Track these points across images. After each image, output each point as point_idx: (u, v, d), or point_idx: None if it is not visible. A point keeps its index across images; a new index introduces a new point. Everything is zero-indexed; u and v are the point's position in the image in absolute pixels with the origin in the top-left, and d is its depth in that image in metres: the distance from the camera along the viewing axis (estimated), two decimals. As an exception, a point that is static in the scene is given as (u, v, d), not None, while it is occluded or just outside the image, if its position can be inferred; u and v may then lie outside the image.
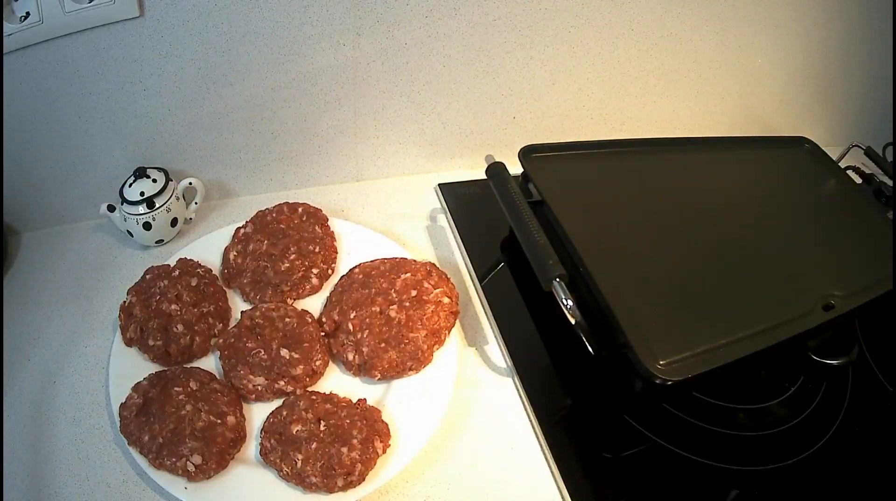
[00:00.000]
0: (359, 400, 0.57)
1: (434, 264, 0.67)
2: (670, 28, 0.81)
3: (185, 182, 0.72)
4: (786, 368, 0.68)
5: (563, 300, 0.57)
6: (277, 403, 0.57)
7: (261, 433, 0.55)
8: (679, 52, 0.85)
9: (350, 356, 0.60)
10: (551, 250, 0.60)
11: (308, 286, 0.67)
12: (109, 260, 0.70)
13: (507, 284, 0.73)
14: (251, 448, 0.55)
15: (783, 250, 0.72)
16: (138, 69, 0.64)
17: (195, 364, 0.60)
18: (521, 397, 0.62)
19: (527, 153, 0.74)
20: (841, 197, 0.83)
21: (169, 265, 0.64)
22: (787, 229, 0.76)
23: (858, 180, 0.87)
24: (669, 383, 0.54)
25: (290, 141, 0.77)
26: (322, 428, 0.53)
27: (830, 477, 0.59)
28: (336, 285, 0.67)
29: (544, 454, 0.58)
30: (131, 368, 0.57)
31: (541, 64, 0.79)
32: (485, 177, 0.72)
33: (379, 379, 0.60)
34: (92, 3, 0.57)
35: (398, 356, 0.59)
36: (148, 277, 0.63)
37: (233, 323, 0.63)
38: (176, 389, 0.54)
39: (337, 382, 0.61)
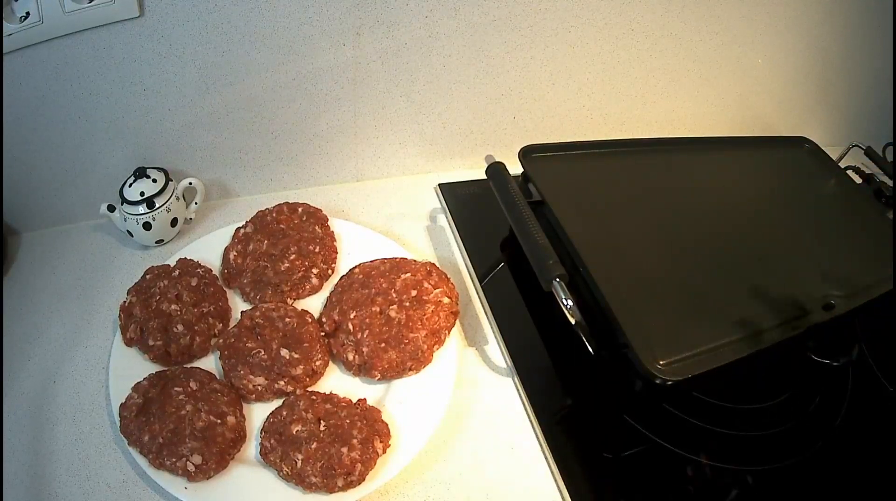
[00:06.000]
0: (359, 400, 0.57)
1: (434, 264, 0.67)
2: (670, 28, 0.81)
3: (185, 182, 0.72)
4: (786, 368, 0.68)
5: (563, 300, 0.57)
6: (277, 403, 0.57)
7: (261, 433, 0.55)
8: (679, 52, 0.85)
9: (350, 356, 0.60)
10: (551, 250, 0.60)
11: (308, 286, 0.67)
12: (109, 260, 0.70)
13: (507, 284, 0.73)
14: (251, 448, 0.55)
15: (783, 250, 0.72)
16: (138, 69, 0.64)
17: (195, 364, 0.60)
18: (521, 397, 0.62)
19: (527, 153, 0.75)
20: (841, 197, 0.83)
21: (169, 265, 0.64)
22: (788, 230, 0.76)
23: (858, 180, 0.88)
24: (669, 383, 0.54)
25: (290, 141, 0.77)
26: (322, 428, 0.53)
27: (830, 477, 0.60)
28: (336, 285, 0.67)
29: (544, 454, 0.58)
30: (131, 368, 0.57)
31: (541, 64, 0.79)
32: (485, 177, 0.72)
33: (379, 379, 0.60)
34: (92, 3, 0.57)
35: (398, 356, 0.59)
36: (148, 277, 0.63)
37: (233, 323, 0.63)
38: (176, 389, 0.54)
39: (337, 382, 0.61)
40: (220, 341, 0.60)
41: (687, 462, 0.58)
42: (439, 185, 0.85)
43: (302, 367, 0.58)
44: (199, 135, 0.72)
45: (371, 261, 0.68)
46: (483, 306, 0.70)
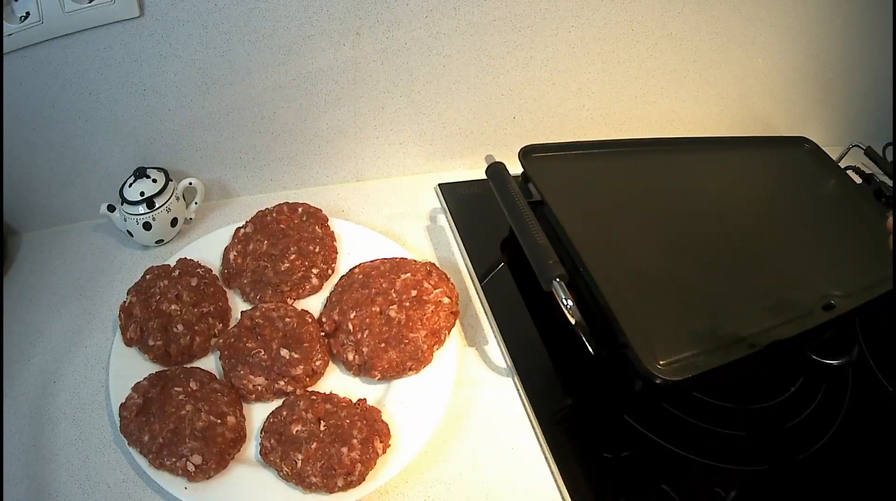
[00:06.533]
0: (359, 400, 0.57)
1: (434, 264, 0.67)
2: (670, 28, 0.81)
3: (185, 182, 0.72)
4: (786, 368, 0.68)
5: (563, 300, 0.57)
6: (277, 403, 0.57)
7: (261, 433, 0.55)
8: (679, 52, 0.85)
9: (350, 356, 0.60)
10: (551, 250, 0.61)
11: (308, 286, 0.67)
12: (109, 260, 0.70)
13: (507, 284, 0.73)
14: (251, 448, 0.55)
15: (783, 250, 0.72)
16: (138, 69, 0.64)
17: (195, 364, 0.60)
18: (521, 397, 0.62)
19: (527, 153, 0.75)
20: (841, 197, 0.83)
21: (169, 265, 0.64)
22: (787, 229, 0.76)
23: (858, 180, 0.88)
24: (669, 383, 0.54)
25: (290, 141, 0.77)
26: (322, 428, 0.53)
27: (830, 477, 0.59)
28: (336, 285, 0.67)
29: (544, 454, 0.58)
30: (131, 368, 0.57)
31: (541, 64, 0.79)
32: (485, 177, 0.72)
33: (379, 379, 0.60)
34: (92, 3, 0.57)
35: (398, 356, 0.59)
36: (148, 277, 0.63)
37: (233, 323, 0.63)
38: (176, 389, 0.54)
39: (337, 382, 0.61)
40: (220, 341, 0.60)
41: (687, 461, 0.58)
42: (439, 185, 0.85)
43: (302, 367, 0.58)
44: (199, 135, 0.72)
45: (371, 261, 0.68)
46: (483, 306, 0.70)
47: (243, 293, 0.66)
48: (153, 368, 0.58)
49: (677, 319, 0.61)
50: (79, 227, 0.73)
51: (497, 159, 0.73)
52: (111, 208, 0.68)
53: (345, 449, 0.51)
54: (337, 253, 0.71)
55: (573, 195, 0.72)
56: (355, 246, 0.72)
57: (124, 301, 0.61)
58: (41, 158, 0.67)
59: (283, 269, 0.66)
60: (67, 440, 0.54)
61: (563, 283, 0.57)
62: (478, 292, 0.72)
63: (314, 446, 0.52)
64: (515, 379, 0.63)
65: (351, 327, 0.61)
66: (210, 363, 0.60)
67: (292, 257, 0.67)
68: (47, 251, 0.70)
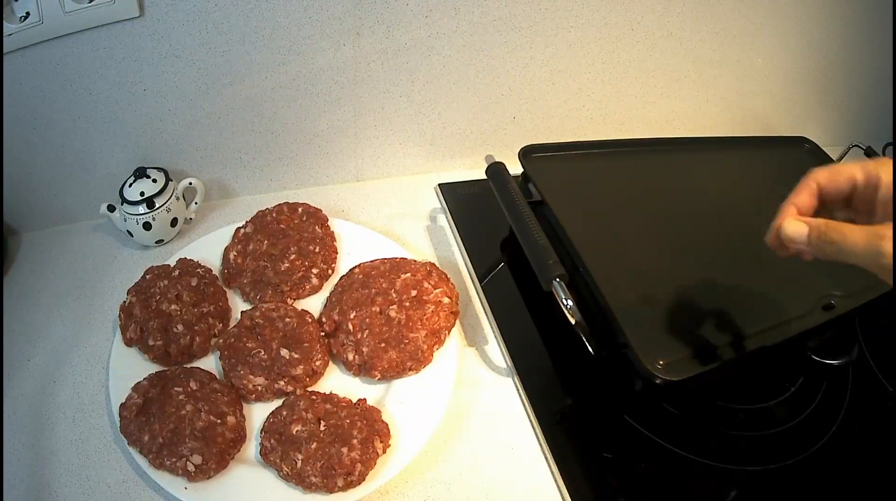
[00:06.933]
0: (359, 400, 0.57)
1: (434, 264, 0.67)
2: (670, 28, 0.81)
3: (185, 182, 0.72)
4: (786, 368, 0.68)
5: (563, 300, 0.57)
6: (277, 403, 0.57)
7: (261, 433, 0.55)
8: (679, 52, 0.85)
9: (350, 356, 0.60)
10: (551, 250, 0.60)
11: (308, 286, 0.67)
12: (109, 260, 0.70)
13: (507, 284, 0.73)
14: (251, 448, 0.55)
15: (783, 250, 0.72)
16: (138, 69, 0.64)
17: (195, 364, 0.60)
18: (521, 397, 0.62)
19: (527, 153, 0.75)
20: (841, 197, 0.83)
21: (169, 265, 0.64)
22: (787, 229, 0.76)
23: (858, 180, 0.87)
24: (669, 383, 0.54)
25: (290, 141, 0.77)
26: (322, 428, 0.53)
27: (830, 477, 0.59)
28: (336, 285, 0.67)
29: (544, 454, 0.58)
30: (131, 368, 0.57)
31: (541, 64, 0.79)
32: (485, 177, 0.72)
33: (379, 379, 0.60)
34: (92, 3, 0.57)
35: (398, 356, 0.59)
36: (148, 277, 0.63)
37: (233, 323, 0.63)
38: (176, 389, 0.54)
39: (337, 382, 0.61)
40: (220, 341, 0.60)
41: (687, 461, 0.58)
42: (439, 185, 0.85)
43: (302, 367, 0.58)
44: (199, 135, 0.72)
45: (371, 261, 0.68)
46: (483, 306, 0.70)
47: (243, 293, 0.66)
48: (153, 368, 0.58)
49: (677, 319, 0.61)
50: (79, 227, 0.73)
51: (497, 159, 0.73)
52: (111, 208, 0.68)
53: (345, 449, 0.51)
54: (337, 253, 0.71)
55: (573, 195, 0.72)
56: (355, 246, 0.72)
57: (124, 301, 0.61)
58: (41, 158, 0.67)
59: (283, 269, 0.66)
60: (67, 440, 0.54)
61: (563, 283, 0.57)
62: (478, 292, 0.72)
63: (314, 446, 0.52)
64: (515, 379, 0.63)
65: (351, 327, 0.61)
66: (210, 363, 0.60)
67: (292, 257, 0.67)
68: (47, 251, 0.70)
